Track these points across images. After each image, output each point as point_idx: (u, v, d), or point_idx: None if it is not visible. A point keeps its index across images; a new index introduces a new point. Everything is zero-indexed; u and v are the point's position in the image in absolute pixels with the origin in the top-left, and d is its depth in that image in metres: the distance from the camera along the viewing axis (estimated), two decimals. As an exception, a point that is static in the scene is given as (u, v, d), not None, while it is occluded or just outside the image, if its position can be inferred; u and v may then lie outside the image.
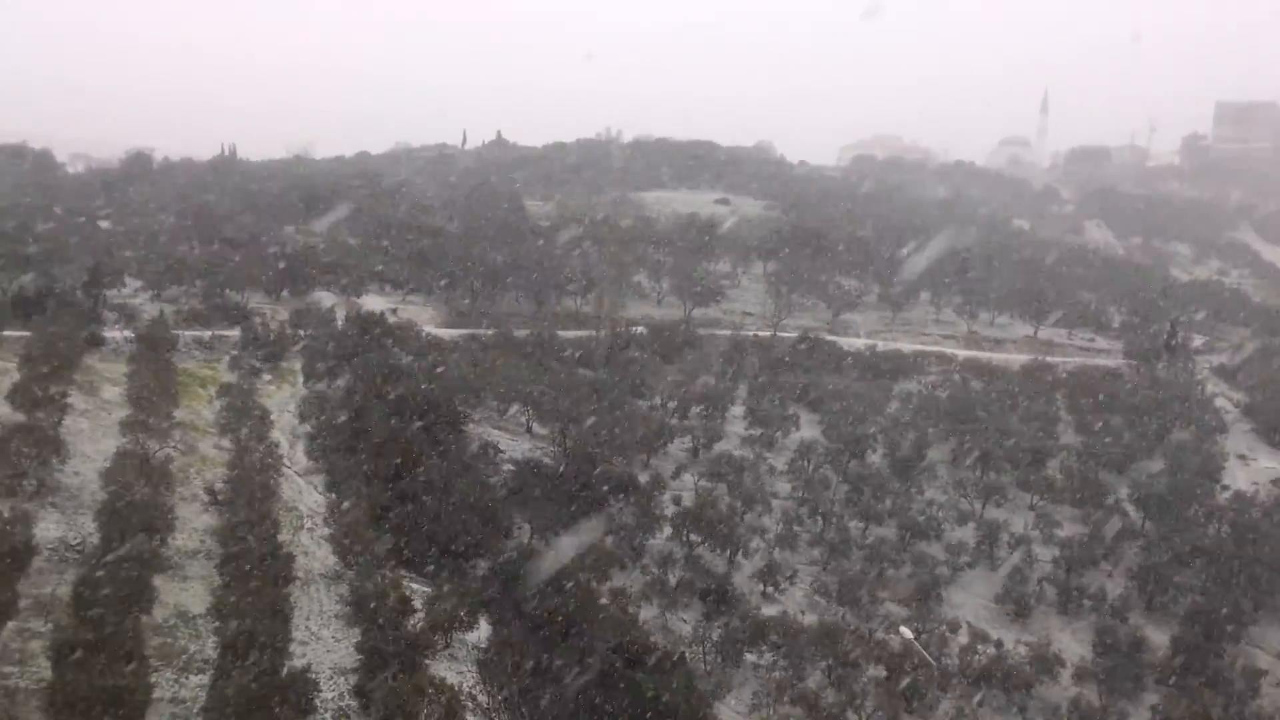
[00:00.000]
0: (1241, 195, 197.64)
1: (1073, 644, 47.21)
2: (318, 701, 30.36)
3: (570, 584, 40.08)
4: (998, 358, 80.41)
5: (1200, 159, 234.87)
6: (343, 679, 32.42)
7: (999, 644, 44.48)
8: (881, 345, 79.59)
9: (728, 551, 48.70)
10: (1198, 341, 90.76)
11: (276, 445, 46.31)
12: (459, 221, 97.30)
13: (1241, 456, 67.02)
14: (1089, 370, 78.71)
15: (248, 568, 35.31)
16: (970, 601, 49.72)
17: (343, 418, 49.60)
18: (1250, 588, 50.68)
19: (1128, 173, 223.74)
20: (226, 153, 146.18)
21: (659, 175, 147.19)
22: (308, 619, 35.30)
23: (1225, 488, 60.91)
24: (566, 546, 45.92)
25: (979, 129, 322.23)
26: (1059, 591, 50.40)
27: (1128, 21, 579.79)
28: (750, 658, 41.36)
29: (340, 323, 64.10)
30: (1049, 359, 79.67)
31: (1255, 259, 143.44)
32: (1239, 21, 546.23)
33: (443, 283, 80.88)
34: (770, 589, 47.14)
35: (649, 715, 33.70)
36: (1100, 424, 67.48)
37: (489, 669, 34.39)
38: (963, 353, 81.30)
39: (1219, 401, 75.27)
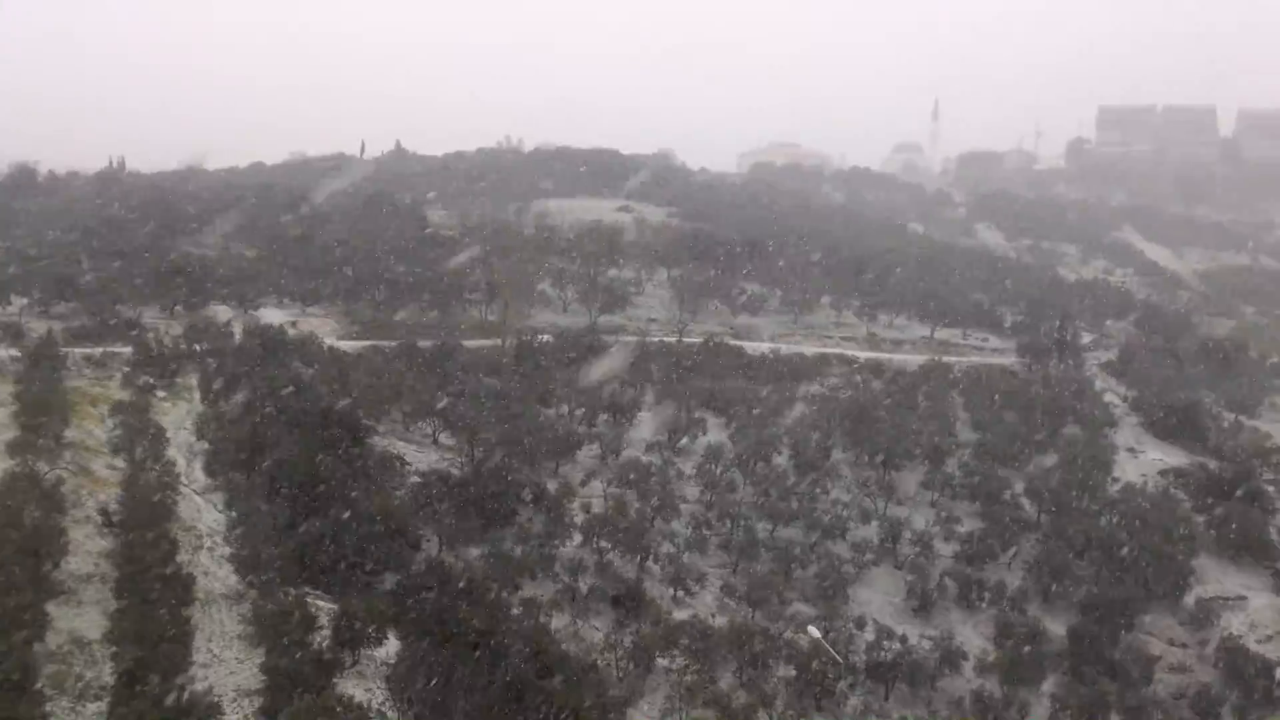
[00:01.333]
0: (1124, 197, 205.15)
1: (974, 636, 48.44)
2: (222, 725, 29.71)
3: (480, 595, 39.87)
4: (897, 358, 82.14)
5: (1085, 162, 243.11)
6: (247, 701, 31.78)
7: (904, 639, 45.36)
8: (785, 349, 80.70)
9: (638, 557, 48.90)
10: (1086, 339, 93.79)
11: (173, 463, 45.07)
12: (359, 232, 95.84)
13: (1130, 449, 69.40)
14: (984, 369, 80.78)
15: (145, 590, 34.37)
16: (876, 598, 50.69)
17: (242, 434, 48.54)
18: (1142, 576, 52.57)
19: (1016, 176, 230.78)
20: (115, 165, 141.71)
21: (561, 183, 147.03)
22: (209, 641, 34.49)
23: (1115, 480, 62.98)
24: (475, 558, 45.75)
25: (874, 134, 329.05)
26: (960, 586, 51.64)
27: (1014, 28, 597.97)
28: (662, 662, 41.58)
29: (238, 337, 62.70)
30: (946, 359, 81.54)
31: (1138, 258, 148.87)
32: (1122, 30, 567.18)
33: (343, 294, 79.77)
34: (681, 593, 47.44)
35: (562, 724, 33.69)
36: (996, 421, 69.35)
37: (398, 685, 34.02)
38: (863, 354, 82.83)
39: (1108, 397, 77.91)
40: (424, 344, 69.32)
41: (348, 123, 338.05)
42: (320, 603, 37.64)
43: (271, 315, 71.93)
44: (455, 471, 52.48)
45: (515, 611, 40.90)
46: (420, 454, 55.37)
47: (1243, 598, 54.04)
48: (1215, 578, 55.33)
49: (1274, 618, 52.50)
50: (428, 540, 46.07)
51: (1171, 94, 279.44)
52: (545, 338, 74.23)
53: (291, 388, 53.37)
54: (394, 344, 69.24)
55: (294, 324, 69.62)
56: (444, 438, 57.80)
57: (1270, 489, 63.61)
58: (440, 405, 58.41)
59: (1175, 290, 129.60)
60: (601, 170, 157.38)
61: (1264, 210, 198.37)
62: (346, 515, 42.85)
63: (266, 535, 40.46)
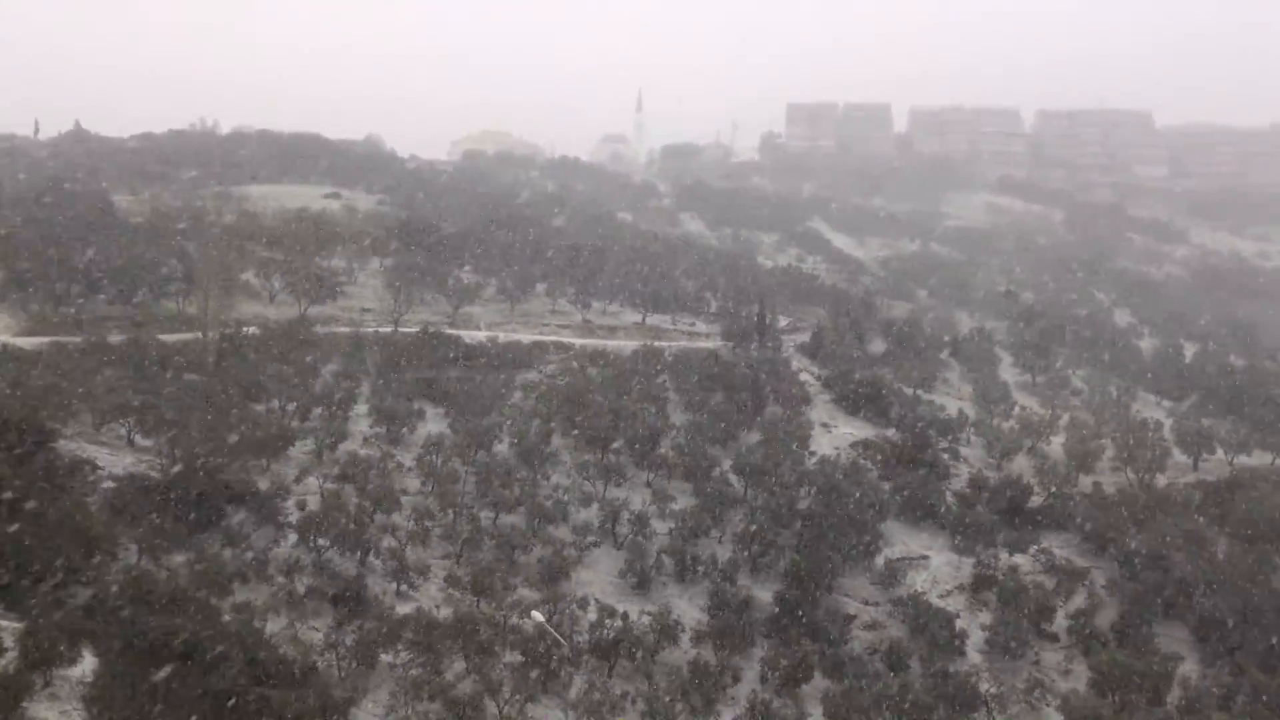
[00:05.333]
0: (813, 188, 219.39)
1: (690, 609, 50.63)
2: (-110, 768, 26.70)
3: (187, 604, 37.71)
4: (611, 345, 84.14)
5: (777, 155, 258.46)
6: (-80, 738, 28.68)
7: (625, 616, 46.69)
8: (503, 337, 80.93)
9: (358, 553, 47.77)
10: (783, 322, 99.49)
11: None
12: (35, 219, 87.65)
13: (824, 425, 74.35)
14: (692, 353, 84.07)
15: None
16: (597, 579, 51.96)
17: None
18: (838, 542, 56.56)
19: (715, 168, 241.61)
20: None
21: (263, 168, 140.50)
22: None
23: (813, 454, 67.36)
24: (181, 565, 43.19)
25: (582, 125, 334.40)
26: (676, 561, 53.81)
27: (717, 26, 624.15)
28: (386, 658, 40.92)
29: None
30: (657, 344, 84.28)
31: (827, 246, 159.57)
32: (810, 27, 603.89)
33: (18, 288, 72.82)
34: (404, 587, 46.79)
35: (283, 730, 32.53)
36: (705, 402, 72.46)
37: (97, 704, 31.68)
38: (579, 341, 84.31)
39: (803, 376, 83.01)
40: (115, 339, 64.51)
41: (16, 101, 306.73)
42: (3, 623, 34.41)
43: (-69, 312, 64.74)
44: (155, 474, 49.25)
45: (226, 618, 38.97)
46: (115, 457, 51.53)
47: (925, 557, 59.39)
48: (901, 540, 60.44)
49: (952, 574, 58.08)
50: (125, 549, 42.98)
51: (858, 92, 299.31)
52: (251, 330, 70.87)
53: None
54: (80, 340, 64.01)
55: (-42, 320, 63.01)
56: (141, 439, 54.05)
57: (945, 456, 70.09)
58: (135, 404, 54.56)
59: (859, 276, 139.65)
60: (306, 156, 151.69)
61: (934, 200, 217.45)
62: (29, 527, 39.25)
63: (-65, 554, 36.55)
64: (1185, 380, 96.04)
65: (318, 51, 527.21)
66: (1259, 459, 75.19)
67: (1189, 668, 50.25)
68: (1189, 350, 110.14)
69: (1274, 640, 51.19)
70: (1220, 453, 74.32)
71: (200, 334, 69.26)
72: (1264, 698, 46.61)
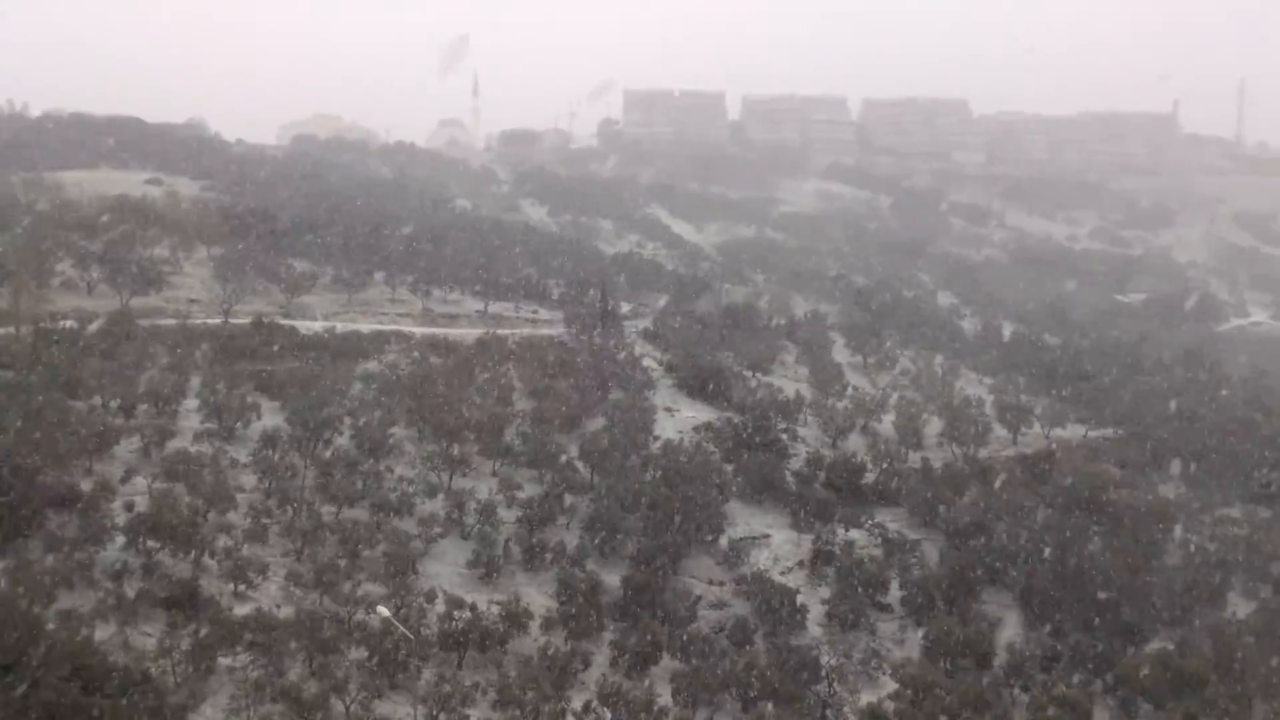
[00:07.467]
0: (651, 174, 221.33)
1: (539, 597, 50.70)
2: None
3: (7, 613, 35.68)
4: (453, 333, 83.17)
5: (615, 142, 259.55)
6: None
7: (473, 607, 46.50)
8: (340, 327, 78.83)
9: (191, 554, 45.99)
10: (625, 308, 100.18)
11: None
12: None
13: (668, 409, 75.31)
14: (535, 340, 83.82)
15: None
16: (444, 571, 51.44)
17: None
18: (683, 524, 57.52)
19: (554, 154, 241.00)
20: None
21: (79, 154, 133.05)
22: None
23: (657, 438, 68.20)
24: (-2, 573, 40.83)
25: (417, 109, 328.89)
26: (523, 549, 53.77)
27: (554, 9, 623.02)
28: (225, 661, 39.67)
29: None
30: (500, 332, 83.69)
31: (666, 232, 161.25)
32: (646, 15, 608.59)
33: None
34: (242, 587, 45.34)
35: (116, 741, 31.28)
36: (549, 389, 72.43)
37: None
38: (420, 330, 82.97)
39: (646, 361, 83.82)
40: (-87, 336, 60.23)
41: None
42: None
43: None
44: (-34, 478, 46.23)
45: (51, 627, 37.08)
46: (-81, 462, 48.10)
47: (767, 535, 61.04)
48: (744, 520, 61.90)
49: (792, 551, 59.88)
50: (-64, 559, 40.36)
51: (694, 82, 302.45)
52: (69, 323, 67.20)
53: None
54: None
55: None
56: (-52, 441, 50.62)
57: (784, 437, 71.98)
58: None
59: (698, 261, 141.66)
60: (125, 140, 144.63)
61: (768, 187, 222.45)
62: None
63: None
64: (1004, 358, 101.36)
65: (129, 26, 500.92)
66: (1072, 431, 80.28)
67: (1013, 632, 53.36)
68: (1007, 329, 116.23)
69: (1089, 603, 54.81)
70: (1037, 426, 78.88)
71: (12, 328, 65.23)
72: (1087, 660, 49.92)
